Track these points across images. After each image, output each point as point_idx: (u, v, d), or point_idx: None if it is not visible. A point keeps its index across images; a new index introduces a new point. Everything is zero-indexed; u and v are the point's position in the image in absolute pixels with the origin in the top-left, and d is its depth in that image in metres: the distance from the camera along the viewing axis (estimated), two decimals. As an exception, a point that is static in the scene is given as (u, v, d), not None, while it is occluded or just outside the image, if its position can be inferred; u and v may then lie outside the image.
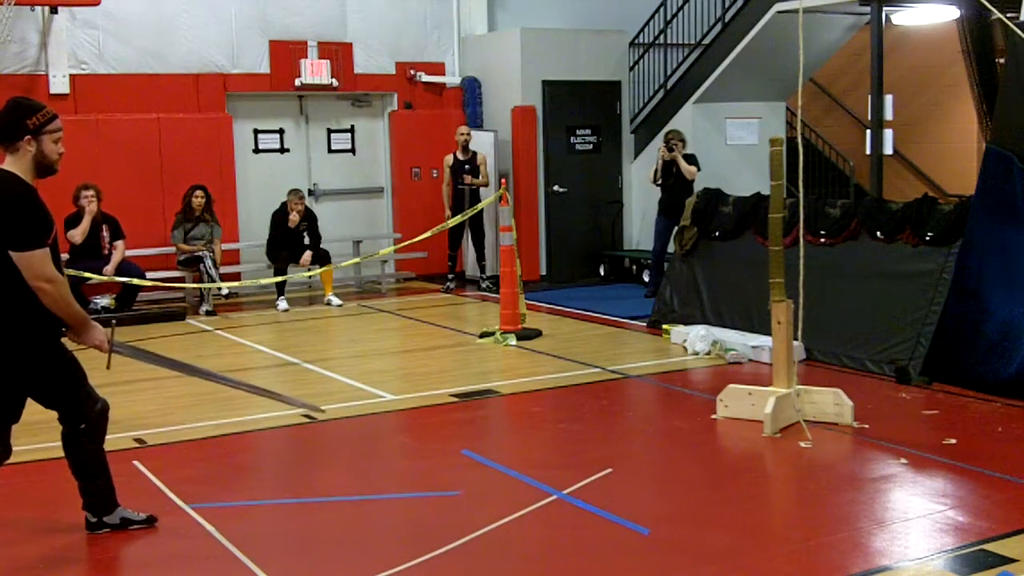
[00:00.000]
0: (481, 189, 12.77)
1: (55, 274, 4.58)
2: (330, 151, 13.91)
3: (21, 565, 4.76)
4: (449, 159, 12.84)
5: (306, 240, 12.18)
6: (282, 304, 11.84)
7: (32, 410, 7.48)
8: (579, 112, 13.90)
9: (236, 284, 11.49)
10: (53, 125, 4.66)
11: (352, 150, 14.05)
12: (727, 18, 13.01)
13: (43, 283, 4.54)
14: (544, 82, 13.60)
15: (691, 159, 11.69)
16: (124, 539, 5.04)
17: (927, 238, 7.88)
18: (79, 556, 4.89)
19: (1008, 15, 7.33)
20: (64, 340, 4.86)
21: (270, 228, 12.21)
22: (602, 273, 13.86)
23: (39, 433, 6.87)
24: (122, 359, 5.20)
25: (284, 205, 12.16)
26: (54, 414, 7.30)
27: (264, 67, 13.09)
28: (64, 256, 11.01)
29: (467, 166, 12.75)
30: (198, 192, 11.84)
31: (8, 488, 5.82)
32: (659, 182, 11.84)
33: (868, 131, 11.34)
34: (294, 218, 12.01)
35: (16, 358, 4.70)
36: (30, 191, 4.59)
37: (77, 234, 11.08)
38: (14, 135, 4.58)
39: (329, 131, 13.87)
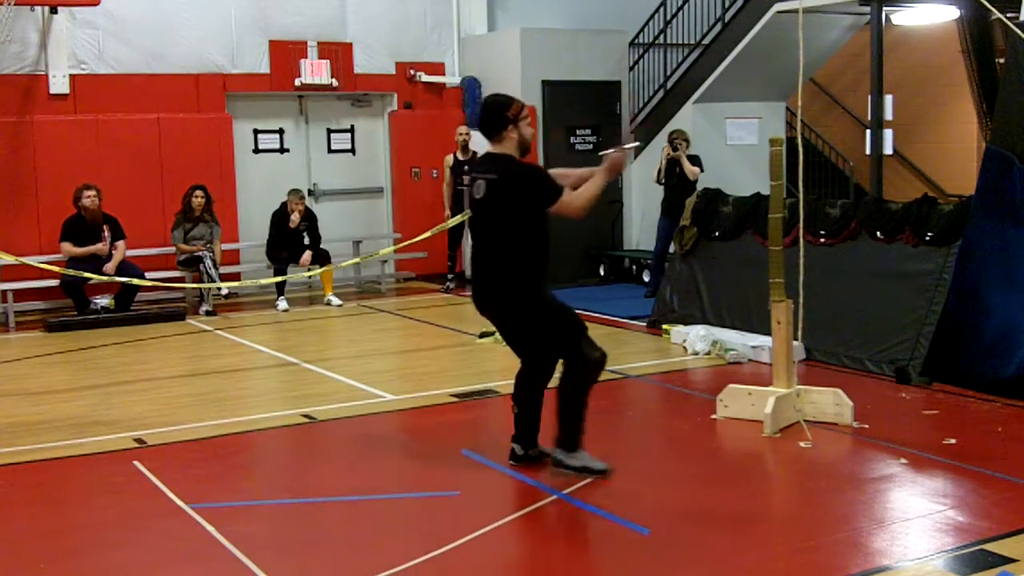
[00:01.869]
0: (481, 189, 12.74)
1: (582, 195, 5.51)
2: (330, 151, 13.91)
3: (21, 565, 4.76)
4: (449, 159, 12.85)
5: (306, 240, 12.19)
6: (282, 304, 11.84)
7: (32, 410, 7.52)
8: (579, 112, 13.90)
9: (236, 284, 11.49)
10: (524, 112, 5.62)
11: (352, 150, 14.05)
12: (727, 18, 13.00)
13: (578, 212, 5.50)
14: (544, 82, 13.60)
15: (694, 160, 11.70)
16: (124, 539, 5.04)
17: (927, 238, 7.88)
18: (79, 556, 4.88)
19: (1008, 15, 7.33)
20: None
21: (270, 228, 12.21)
22: (602, 273, 13.86)
23: (39, 433, 6.89)
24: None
25: (284, 205, 12.16)
26: (53, 414, 7.32)
27: (264, 67, 13.09)
28: (64, 254, 11.07)
29: (467, 166, 12.73)
30: (198, 192, 11.84)
31: (8, 488, 5.82)
32: (662, 181, 11.84)
33: (868, 131, 11.34)
34: (295, 218, 12.02)
35: (539, 292, 5.56)
36: (535, 166, 5.71)
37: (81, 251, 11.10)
38: (500, 127, 5.52)
39: (329, 131, 13.87)
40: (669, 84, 13.89)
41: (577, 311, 5.77)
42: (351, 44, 13.54)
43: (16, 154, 11.73)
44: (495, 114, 5.58)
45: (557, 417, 5.62)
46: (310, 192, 13.62)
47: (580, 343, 5.56)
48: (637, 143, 6.06)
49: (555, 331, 5.58)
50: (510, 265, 5.51)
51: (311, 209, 12.57)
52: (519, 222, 5.48)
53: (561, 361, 5.63)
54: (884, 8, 11.28)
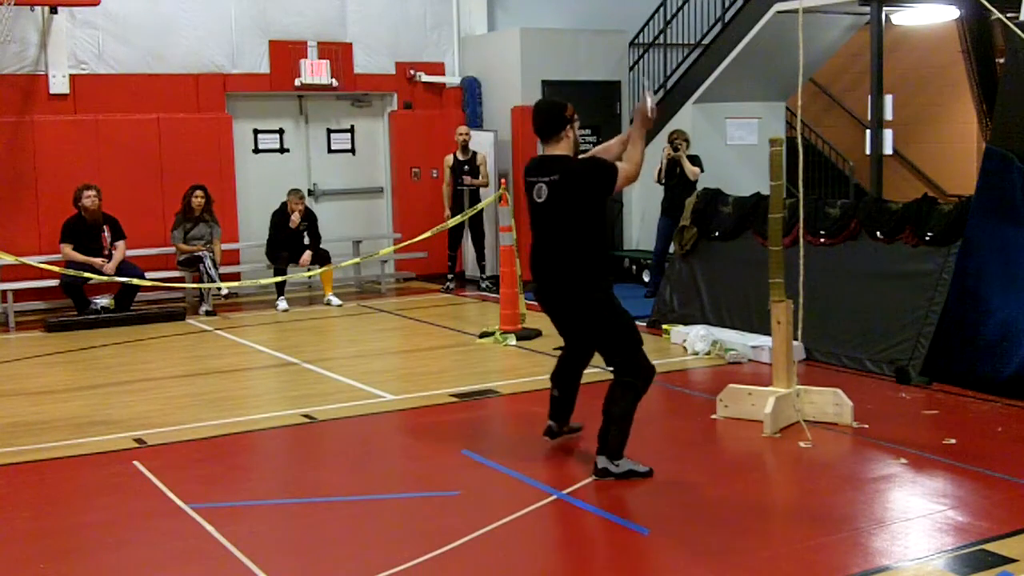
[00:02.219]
0: (481, 189, 12.77)
1: (628, 162, 5.73)
2: (330, 151, 13.91)
3: (21, 565, 4.76)
4: (449, 159, 12.84)
5: (306, 240, 12.19)
6: (282, 304, 11.85)
7: (32, 410, 7.52)
8: (579, 112, 13.75)
9: (236, 284, 11.49)
10: (575, 115, 5.82)
11: (352, 150, 14.05)
12: (727, 18, 13.01)
13: (636, 175, 5.74)
14: (544, 82, 13.59)
15: (695, 160, 11.70)
16: (124, 539, 5.04)
17: (927, 238, 7.88)
18: (79, 556, 4.89)
19: (1008, 15, 7.33)
20: None
21: (270, 228, 12.21)
22: (602, 273, 13.83)
23: (39, 433, 6.89)
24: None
25: (284, 205, 12.16)
26: (53, 414, 7.32)
27: (264, 67, 13.09)
28: (64, 257, 11.07)
29: (467, 166, 12.74)
30: (198, 192, 11.84)
31: (8, 488, 5.82)
32: (663, 181, 11.85)
33: (868, 131, 11.34)
34: (295, 219, 12.02)
35: (610, 294, 5.68)
36: (590, 158, 5.78)
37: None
38: (559, 128, 5.71)
39: (329, 131, 13.87)
40: (669, 84, 13.89)
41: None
42: (351, 44, 13.54)
43: (16, 154, 11.72)
44: (554, 116, 5.74)
45: (605, 424, 5.69)
46: (310, 192, 13.62)
47: (640, 350, 5.70)
48: (653, 92, 6.28)
49: (621, 333, 5.69)
50: (582, 260, 5.62)
51: (311, 209, 12.57)
52: (586, 217, 5.61)
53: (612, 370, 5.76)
54: (884, 8, 11.28)
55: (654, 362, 5.82)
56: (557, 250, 5.69)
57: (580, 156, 5.79)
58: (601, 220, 5.72)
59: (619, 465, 5.67)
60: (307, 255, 12.05)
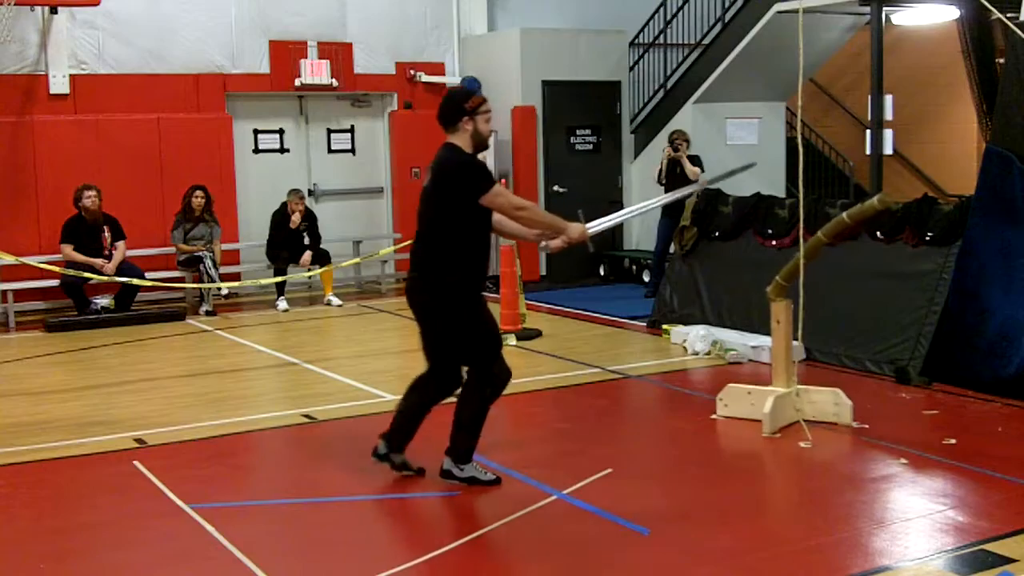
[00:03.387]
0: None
1: (523, 200, 5.55)
2: (330, 151, 13.91)
3: (21, 565, 4.76)
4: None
5: (306, 240, 12.19)
6: (282, 304, 11.84)
7: (32, 410, 7.52)
8: (579, 112, 13.90)
9: (236, 284, 11.49)
10: (484, 107, 5.51)
11: (352, 150, 14.04)
12: (727, 18, 13.00)
13: (518, 210, 5.43)
14: (544, 82, 13.60)
15: (695, 160, 11.70)
16: (124, 539, 5.05)
17: (927, 238, 7.88)
18: (79, 556, 4.89)
19: (1008, 15, 7.33)
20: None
21: (270, 228, 12.21)
22: (602, 273, 13.86)
23: (39, 433, 6.89)
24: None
25: (284, 205, 12.16)
26: (53, 414, 7.32)
27: (264, 67, 13.09)
28: (64, 257, 11.07)
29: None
30: (198, 192, 11.85)
31: (8, 488, 5.82)
32: (663, 182, 11.85)
33: (868, 131, 11.34)
34: (295, 219, 12.02)
35: (473, 301, 5.45)
36: (472, 157, 5.45)
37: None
38: (455, 117, 5.45)
39: (329, 131, 13.87)
40: (669, 84, 13.89)
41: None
42: (351, 44, 13.54)
43: (16, 154, 11.72)
44: (452, 105, 5.52)
45: (454, 427, 5.54)
46: (310, 192, 13.62)
47: (496, 359, 5.49)
48: (594, 230, 5.94)
49: (475, 340, 5.46)
50: (443, 260, 5.38)
51: (311, 209, 12.57)
52: (452, 214, 5.36)
53: (466, 372, 5.53)
54: (884, 8, 11.29)
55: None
56: (423, 242, 5.47)
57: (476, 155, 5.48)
58: (475, 228, 5.40)
59: (463, 470, 5.56)
60: (307, 255, 12.05)
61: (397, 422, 5.73)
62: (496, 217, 5.54)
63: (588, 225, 5.68)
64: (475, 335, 5.47)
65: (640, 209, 7.10)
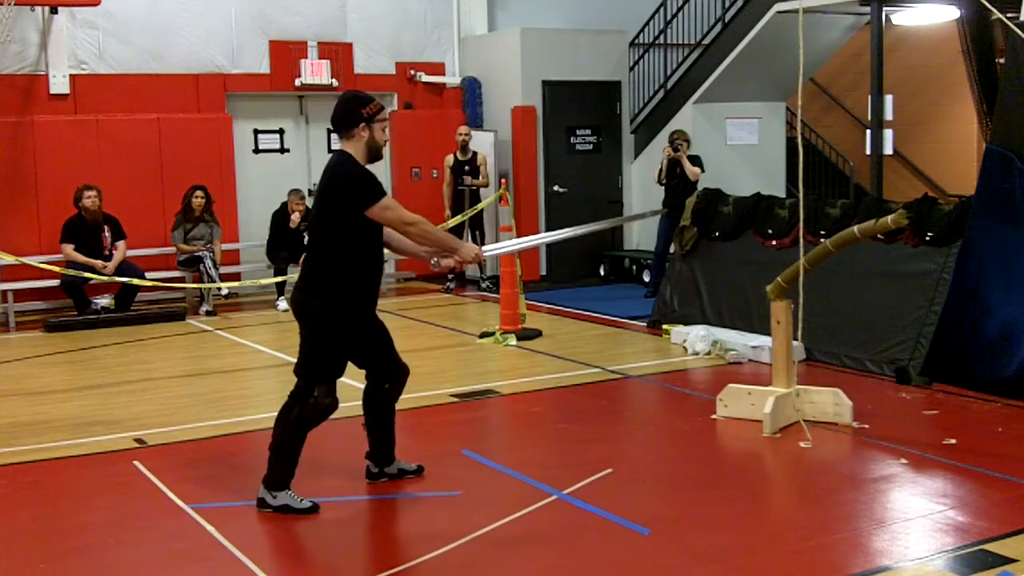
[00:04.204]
0: (481, 189, 12.78)
1: (413, 215, 5.23)
2: (330, 151, 13.90)
3: (21, 565, 4.76)
4: (449, 159, 12.85)
5: (306, 240, 12.16)
6: (282, 304, 11.84)
7: (32, 410, 7.52)
8: (579, 112, 13.90)
9: (236, 284, 11.49)
10: (382, 115, 5.27)
11: (352, 150, 14.03)
12: (727, 18, 13.00)
13: (407, 225, 5.20)
14: (544, 82, 13.60)
15: (695, 160, 11.71)
16: (124, 539, 5.04)
17: (927, 238, 7.88)
18: (79, 556, 4.89)
19: (1008, 15, 7.33)
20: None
21: (270, 228, 12.21)
22: (602, 273, 13.86)
23: (39, 433, 6.89)
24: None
25: (284, 205, 12.17)
26: (53, 414, 7.32)
27: (264, 67, 13.09)
28: (64, 257, 11.07)
29: (467, 166, 12.75)
30: (198, 192, 11.85)
31: (8, 488, 5.83)
32: (663, 182, 11.86)
33: (868, 131, 11.34)
34: (295, 219, 12.02)
35: (340, 321, 5.25)
36: (363, 168, 5.20)
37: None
38: (351, 124, 5.19)
39: (329, 131, 13.85)
40: (669, 84, 13.89)
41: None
42: (351, 44, 13.54)
43: (16, 154, 11.73)
44: (346, 110, 5.23)
45: (269, 451, 5.30)
46: (310, 192, 13.62)
47: (322, 383, 5.24)
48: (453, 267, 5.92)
49: (316, 355, 5.24)
50: (321, 267, 5.22)
51: (311, 209, 12.55)
52: (336, 224, 5.16)
53: (291, 395, 5.31)
54: (884, 8, 11.28)
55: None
56: (310, 250, 5.33)
57: (366, 165, 5.24)
58: (361, 235, 5.19)
59: (276, 497, 5.24)
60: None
61: (372, 438, 5.65)
62: (387, 232, 5.36)
63: (484, 248, 5.48)
64: (320, 349, 5.23)
65: (544, 239, 6.98)
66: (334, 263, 5.21)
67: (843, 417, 6.61)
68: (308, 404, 5.23)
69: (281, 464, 5.25)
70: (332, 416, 7.09)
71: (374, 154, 5.28)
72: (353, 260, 5.23)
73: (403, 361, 5.65)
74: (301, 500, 5.26)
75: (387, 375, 5.59)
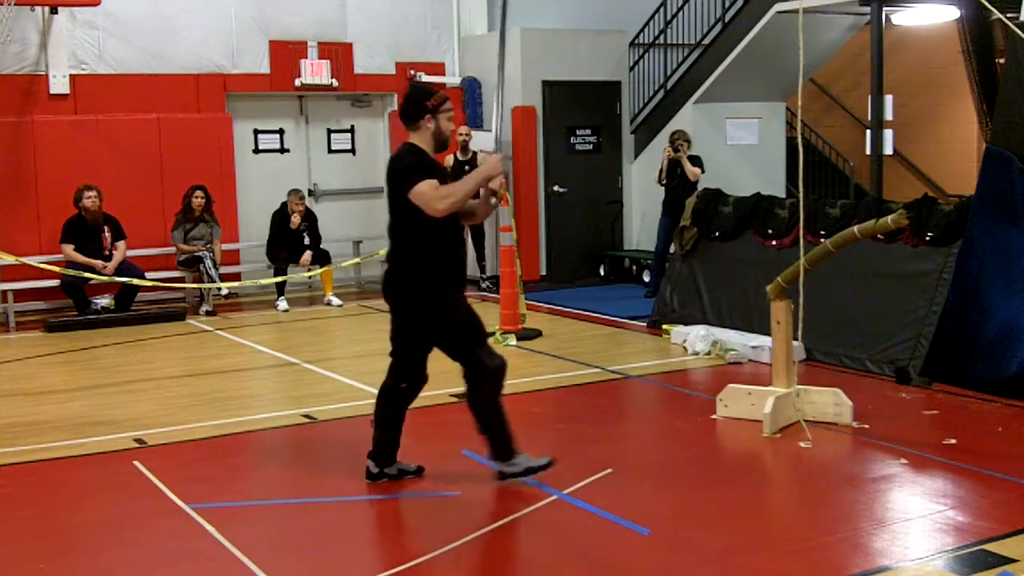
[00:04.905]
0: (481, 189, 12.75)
1: (438, 193, 5.25)
2: (330, 151, 13.91)
3: (21, 565, 4.76)
4: (449, 159, 12.83)
5: (306, 240, 12.19)
6: (282, 304, 11.85)
7: (32, 410, 7.52)
8: (579, 112, 13.90)
9: (236, 284, 11.49)
10: (446, 106, 5.40)
11: (352, 150, 14.05)
12: (727, 18, 13.00)
13: (437, 209, 5.24)
14: (544, 82, 13.60)
15: (696, 160, 11.71)
16: (124, 539, 5.04)
17: (927, 238, 7.88)
18: (79, 556, 4.89)
19: (1008, 15, 7.33)
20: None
21: (270, 228, 12.21)
22: (602, 273, 13.86)
23: (39, 433, 6.89)
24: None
25: (284, 205, 12.17)
26: (53, 414, 7.33)
27: (264, 67, 13.09)
28: (64, 257, 11.07)
29: (467, 167, 12.74)
30: (198, 192, 11.85)
31: (8, 488, 5.82)
32: (663, 182, 11.86)
33: (868, 131, 11.34)
34: (295, 219, 12.02)
35: (448, 296, 5.42)
36: (424, 155, 5.38)
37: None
38: (417, 115, 5.35)
39: (329, 131, 13.87)
40: (669, 84, 13.89)
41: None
42: (351, 44, 13.54)
43: (16, 154, 11.72)
44: (414, 101, 5.43)
45: (481, 434, 5.50)
46: (310, 192, 13.62)
47: (476, 349, 5.41)
48: (501, 154, 5.99)
49: (457, 333, 5.43)
50: (407, 258, 5.48)
51: (311, 209, 12.57)
52: (404, 213, 5.42)
53: (464, 373, 5.48)
54: (884, 8, 11.28)
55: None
56: (391, 240, 5.62)
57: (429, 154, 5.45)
58: (430, 224, 5.35)
59: (515, 464, 5.49)
60: (307, 255, 12.05)
61: (378, 437, 5.66)
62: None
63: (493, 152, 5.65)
64: (456, 327, 5.44)
65: None
66: (414, 250, 5.43)
67: (843, 417, 6.61)
68: (485, 375, 5.39)
69: (499, 437, 5.46)
70: (336, 416, 7.15)
71: (441, 143, 5.46)
72: (429, 242, 5.40)
73: (427, 372, 5.74)
74: (538, 459, 5.50)
75: (412, 375, 5.72)
